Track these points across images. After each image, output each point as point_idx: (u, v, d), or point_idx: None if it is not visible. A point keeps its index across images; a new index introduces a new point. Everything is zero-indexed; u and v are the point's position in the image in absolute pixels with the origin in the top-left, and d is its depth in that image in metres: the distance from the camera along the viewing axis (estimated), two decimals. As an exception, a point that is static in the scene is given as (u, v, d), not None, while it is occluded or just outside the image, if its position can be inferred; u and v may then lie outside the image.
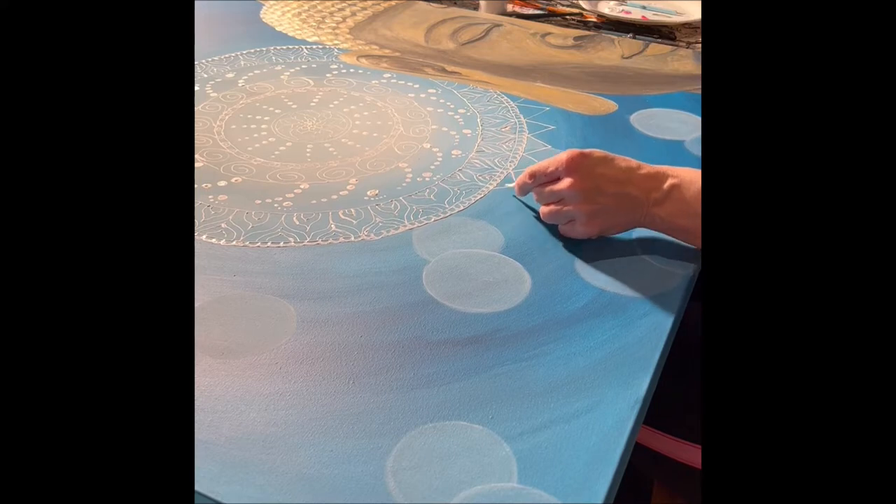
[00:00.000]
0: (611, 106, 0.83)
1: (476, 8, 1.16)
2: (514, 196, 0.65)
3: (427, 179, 0.68)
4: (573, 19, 1.13)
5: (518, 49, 0.98)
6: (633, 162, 0.58)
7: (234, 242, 0.59)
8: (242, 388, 0.46)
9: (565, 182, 0.57)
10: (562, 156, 0.58)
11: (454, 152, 0.73)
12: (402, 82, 0.87)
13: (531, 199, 0.63)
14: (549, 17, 1.15)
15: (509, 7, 1.16)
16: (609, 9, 1.14)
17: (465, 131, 0.77)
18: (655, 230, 0.59)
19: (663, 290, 0.55)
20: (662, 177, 0.57)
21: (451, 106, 0.82)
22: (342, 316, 0.52)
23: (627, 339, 0.51)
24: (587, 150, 0.58)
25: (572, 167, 0.57)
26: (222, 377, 0.46)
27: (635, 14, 1.12)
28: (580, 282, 0.56)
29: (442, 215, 0.63)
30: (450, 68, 0.91)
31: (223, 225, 0.61)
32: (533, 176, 0.60)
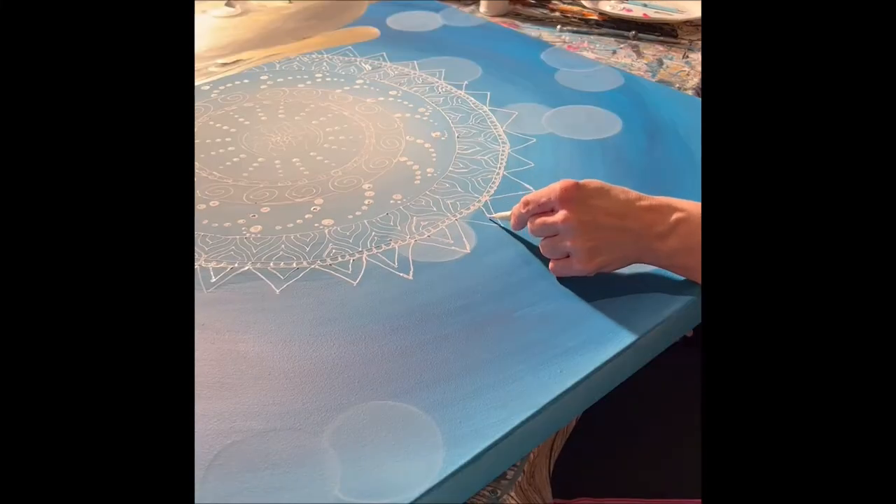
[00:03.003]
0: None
1: (476, 8, 1.16)
2: (503, 227, 0.63)
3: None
4: (574, 17, 1.13)
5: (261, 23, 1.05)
6: (632, 193, 0.55)
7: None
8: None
9: (559, 215, 0.55)
10: (555, 186, 0.55)
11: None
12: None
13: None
14: (548, 13, 1.14)
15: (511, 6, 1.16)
16: (610, 7, 1.13)
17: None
18: (657, 266, 0.56)
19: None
20: (666, 210, 0.54)
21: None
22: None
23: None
24: (582, 181, 0.55)
25: (566, 199, 0.54)
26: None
27: (637, 12, 1.11)
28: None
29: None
30: (229, 60, 0.94)
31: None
32: (527, 204, 0.58)
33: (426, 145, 0.76)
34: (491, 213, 0.66)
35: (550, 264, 0.58)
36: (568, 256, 0.56)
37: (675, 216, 0.53)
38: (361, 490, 0.42)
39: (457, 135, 0.78)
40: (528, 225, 0.58)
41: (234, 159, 0.74)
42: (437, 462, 0.43)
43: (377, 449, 0.44)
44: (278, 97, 0.86)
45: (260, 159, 0.74)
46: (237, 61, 0.94)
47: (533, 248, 0.61)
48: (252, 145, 0.77)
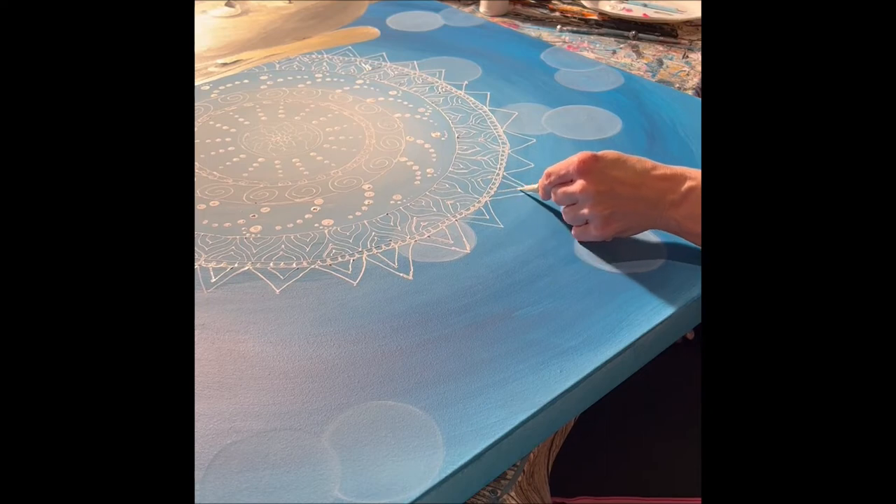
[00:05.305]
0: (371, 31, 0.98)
1: (476, 8, 1.16)
2: (533, 197, 0.67)
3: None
4: (574, 17, 1.13)
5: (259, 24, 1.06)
6: (648, 163, 0.58)
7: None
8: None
9: (577, 185, 0.58)
10: (573, 158, 0.58)
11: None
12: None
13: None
14: (548, 14, 1.14)
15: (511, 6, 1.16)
16: (610, 7, 1.13)
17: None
18: (670, 233, 0.59)
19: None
20: (680, 179, 0.56)
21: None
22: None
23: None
24: (599, 153, 0.58)
25: (584, 170, 0.58)
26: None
27: (637, 12, 1.11)
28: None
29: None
30: (229, 60, 0.94)
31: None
32: (549, 176, 0.62)
33: (426, 146, 0.76)
34: (518, 187, 0.69)
35: (572, 230, 0.62)
36: (587, 223, 0.59)
37: (686, 184, 0.56)
38: (361, 490, 0.42)
39: (457, 135, 0.78)
40: (552, 195, 0.62)
41: (234, 159, 0.74)
42: (437, 462, 0.43)
43: (377, 449, 0.44)
44: (278, 97, 0.86)
45: (260, 159, 0.74)
46: (237, 61, 0.94)
47: (533, 247, 0.61)
48: (252, 145, 0.77)
